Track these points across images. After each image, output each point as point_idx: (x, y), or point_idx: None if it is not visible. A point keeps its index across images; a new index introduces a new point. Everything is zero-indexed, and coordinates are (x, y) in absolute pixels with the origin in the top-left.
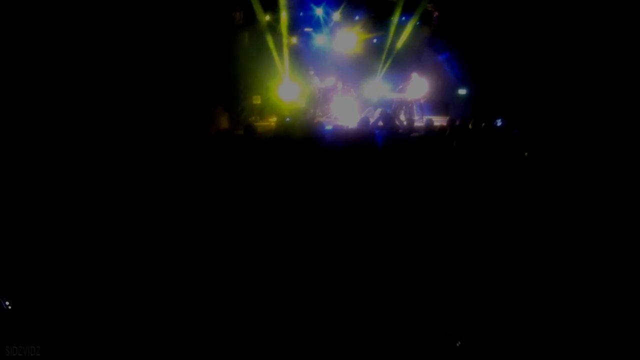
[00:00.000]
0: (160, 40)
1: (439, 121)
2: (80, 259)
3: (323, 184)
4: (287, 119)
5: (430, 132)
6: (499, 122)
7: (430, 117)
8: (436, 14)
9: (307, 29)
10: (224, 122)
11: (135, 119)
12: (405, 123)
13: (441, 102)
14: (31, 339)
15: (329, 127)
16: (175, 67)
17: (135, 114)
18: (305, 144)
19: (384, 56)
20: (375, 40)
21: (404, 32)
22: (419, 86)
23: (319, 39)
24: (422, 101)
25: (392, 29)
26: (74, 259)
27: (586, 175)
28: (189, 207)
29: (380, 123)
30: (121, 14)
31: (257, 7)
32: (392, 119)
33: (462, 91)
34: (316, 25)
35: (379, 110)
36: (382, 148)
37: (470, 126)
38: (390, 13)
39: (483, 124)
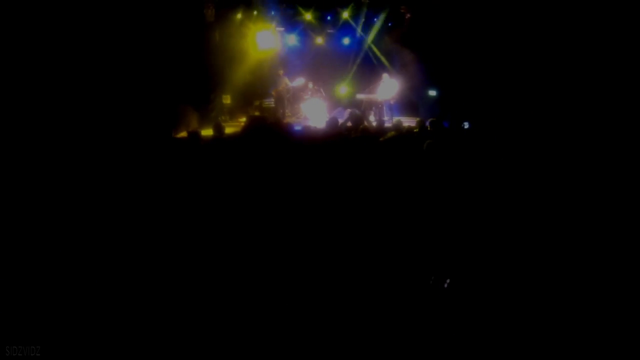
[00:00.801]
0: (129, 36)
1: (408, 122)
2: (80, 259)
3: (292, 184)
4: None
5: (399, 132)
6: (466, 125)
7: (399, 117)
8: (408, 15)
9: (278, 28)
10: (193, 122)
11: (102, 115)
12: (374, 124)
13: (410, 103)
14: (31, 339)
15: (297, 128)
16: (144, 64)
17: (103, 110)
18: (274, 145)
19: (353, 56)
20: (346, 41)
21: (375, 33)
22: (389, 87)
23: (290, 39)
24: (391, 102)
25: (363, 29)
26: (73, 258)
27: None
28: (158, 209)
29: (349, 123)
30: (88, 9)
31: (229, 4)
32: (362, 119)
33: (431, 92)
34: (287, 24)
35: (348, 111)
36: (351, 149)
37: (430, 127)
38: (361, 13)
39: (452, 125)
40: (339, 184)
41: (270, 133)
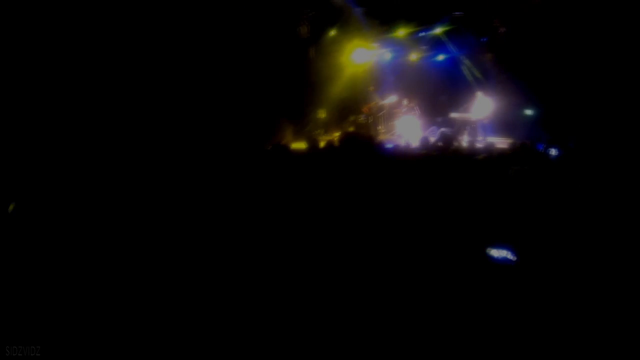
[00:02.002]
0: (229, 52)
1: (502, 143)
2: (81, 259)
3: (378, 199)
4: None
5: (489, 155)
6: (553, 151)
7: (493, 138)
8: (502, 29)
9: (373, 45)
10: (288, 134)
11: (202, 124)
12: (465, 144)
13: (506, 123)
14: (31, 339)
15: (388, 146)
16: (244, 78)
17: (203, 119)
18: (364, 161)
19: (447, 74)
20: (440, 58)
21: (468, 49)
22: (483, 106)
23: (384, 55)
24: (485, 121)
25: (456, 46)
26: (73, 258)
27: None
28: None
29: (440, 143)
30: (197, 27)
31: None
32: (452, 140)
33: (528, 111)
34: (381, 41)
35: (439, 131)
36: (439, 170)
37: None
38: (455, 29)
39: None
40: (422, 203)
41: (362, 149)
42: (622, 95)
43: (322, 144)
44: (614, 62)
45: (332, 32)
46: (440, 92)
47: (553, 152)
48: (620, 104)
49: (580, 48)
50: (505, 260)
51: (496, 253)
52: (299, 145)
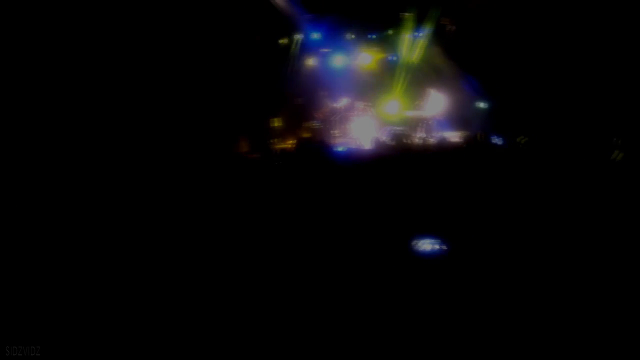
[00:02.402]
0: (182, 67)
1: (455, 137)
2: (81, 259)
3: (329, 202)
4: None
5: (443, 149)
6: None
7: (447, 133)
8: (452, 27)
9: (323, 50)
10: (245, 146)
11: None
12: (417, 141)
13: (460, 117)
14: (31, 339)
15: (341, 149)
16: (197, 89)
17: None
18: (317, 166)
19: (399, 73)
20: (391, 58)
21: (420, 48)
22: (436, 102)
23: (336, 60)
24: (439, 117)
25: (408, 45)
26: (74, 258)
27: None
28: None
29: (392, 142)
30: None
31: (274, 32)
32: (402, 137)
33: (481, 105)
34: (332, 46)
35: (390, 130)
36: (391, 167)
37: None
38: (404, 29)
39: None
40: (376, 201)
41: (314, 154)
42: (570, 86)
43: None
44: (561, 55)
45: (284, 40)
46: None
47: (498, 141)
48: (568, 95)
49: (528, 43)
50: (433, 253)
51: (424, 245)
52: (255, 154)
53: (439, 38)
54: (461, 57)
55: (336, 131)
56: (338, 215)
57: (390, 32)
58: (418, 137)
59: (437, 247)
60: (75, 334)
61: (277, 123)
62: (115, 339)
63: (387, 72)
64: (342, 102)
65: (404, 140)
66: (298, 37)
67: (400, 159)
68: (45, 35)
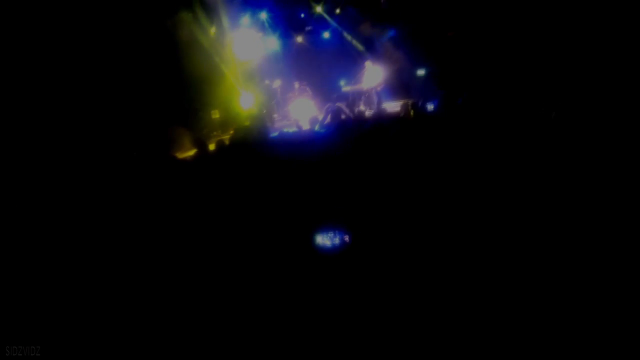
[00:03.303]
0: (112, 58)
1: (396, 106)
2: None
3: (269, 190)
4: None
5: (378, 121)
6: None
7: (387, 103)
8: None
9: (256, 34)
10: (186, 141)
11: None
12: (352, 115)
13: (402, 85)
14: (31, 339)
15: (274, 134)
16: (128, 90)
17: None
18: (252, 153)
19: (334, 49)
20: (326, 35)
21: (352, 22)
22: (373, 74)
23: (269, 43)
24: (378, 88)
25: (340, 19)
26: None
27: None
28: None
29: (328, 119)
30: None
31: (203, 22)
32: (340, 112)
33: (420, 71)
34: (263, 28)
35: (326, 107)
36: (329, 146)
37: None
38: (335, 4)
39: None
40: (314, 186)
41: (248, 145)
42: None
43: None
44: (495, 19)
45: (213, 29)
46: (330, 68)
47: (430, 107)
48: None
49: (462, 9)
50: (334, 247)
51: (325, 239)
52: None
53: (372, 9)
54: (396, 26)
55: (276, 115)
56: (255, 210)
57: (320, 8)
58: (357, 110)
59: (338, 240)
60: (75, 334)
61: (215, 115)
62: (115, 339)
63: (322, 49)
64: (278, 84)
65: (342, 116)
66: (227, 24)
67: (333, 139)
68: None
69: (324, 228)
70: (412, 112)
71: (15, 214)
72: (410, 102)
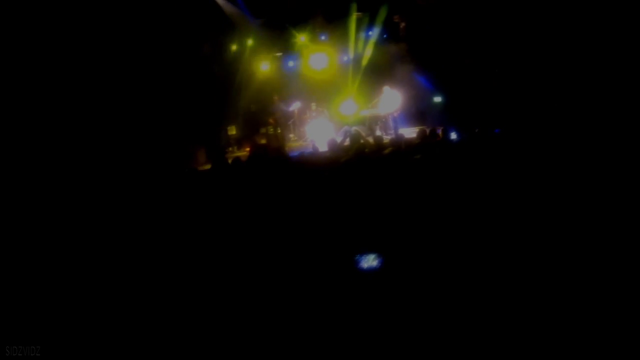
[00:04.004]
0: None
1: (412, 132)
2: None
3: (287, 210)
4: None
5: (397, 146)
6: (453, 135)
7: (403, 129)
8: (403, 24)
9: (276, 54)
10: (201, 158)
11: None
12: (373, 140)
13: (417, 112)
14: (31, 339)
15: (294, 154)
16: (149, 103)
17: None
18: (270, 173)
19: (353, 73)
20: (345, 58)
21: (372, 47)
22: (391, 99)
23: (289, 63)
24: (395, 114)
25: (360, 44)
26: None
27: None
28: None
29: (347, 142)
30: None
31: (224, 38)
32: (358, 137)
33: (437, 99)
34: (284, 49)
35: (343, 129)
36: (346, 171)
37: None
38: (356, 29)
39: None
40: (333, 206)
41: (268, 161)
42: (525, 81)
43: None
44: (512, 50)
45: (234, 47)
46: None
47: (453, 135)
48: (524, 90)
49: (477, 37)
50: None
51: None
52: (207, 166)
53: (391, 35)
54: (414, 53)
55: (293, 135)
56: (286, 230)
57: (341, 32)
58: (374, 135)
59: (376, 262)
60: (75, 334)
61: (232, 131)
62: (114, 339)
63: (340, 73)
64: (295, 106)
65: (360, 140)
66: (248, 42)
67: (354, 162)
68: None
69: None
70: (440, 136)
71: (17, 215)
72: (430, 128)
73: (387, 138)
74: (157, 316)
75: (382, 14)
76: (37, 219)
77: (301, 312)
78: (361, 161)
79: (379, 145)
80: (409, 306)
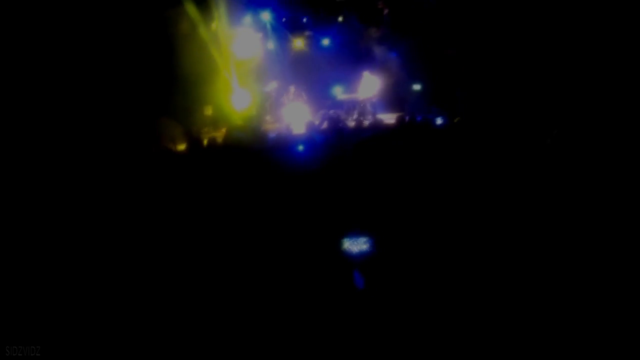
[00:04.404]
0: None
1: (390, 118)
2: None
3: (268, 194)
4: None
5: (376, 131)
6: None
7: (381, 115)
8: (386, 10)
9: (256, 34)
10: (177, 134)
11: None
12: (352, 124)
13: (396, 99)
14: (31, 339)
15: (272, 135)
16: (119, 76)
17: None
18: (250, 155)
19: (332, 57)
20: (326, 42)
21: (353, 32)
22: (370, 84)
23: (269, 44)
24: (374, 99)
25: (341, 28)
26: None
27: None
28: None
29: (325, 125)
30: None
31: (203, 16)
32: (337, 120)
33: (416, 86)
34: (264, 29)
35: (323, 112)
36: (325, 153)
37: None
38: (337, 12)
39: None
40: (310, 189)
41: (244, 143)
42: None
43: (205, 142)
44: (492, 32)
45: (213, 25)
46: (327, 75)
47: (438, 121)
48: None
49: (460, 23)
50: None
51: (352, 245)
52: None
53: (373, 20)
54: (395, 40)
55: (269, 117)
56: (265, 213)
57: (322, 14)
58: (352, 119)
59: (365, 246)
60: (75, 334)
61: (208, 111)
62: (114, 339)
63: (320, 55)
64: (273, 86)
65: (338, 124)
66: (230, 18)
67: (332, 144)
68: None
69: (325, 233)
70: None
71: (12, 213)
72: (412, 115)
73: (365, 122)
74: (151, 313)
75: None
76: (29, 217)
77: (291, 300)
78: (340, 143)
79: (357, 129)
80: (398, 292)
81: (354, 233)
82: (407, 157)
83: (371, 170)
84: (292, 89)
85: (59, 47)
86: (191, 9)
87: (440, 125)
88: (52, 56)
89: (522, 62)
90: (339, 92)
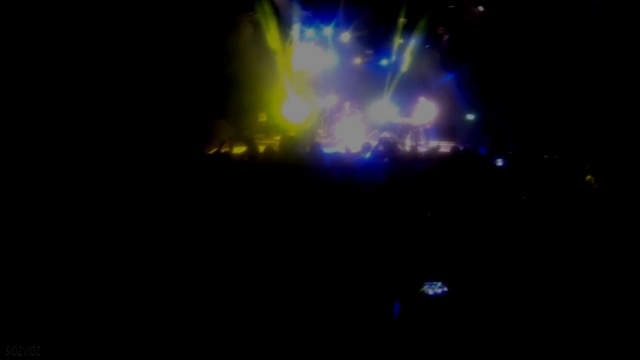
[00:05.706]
0: (166, 52)
1: (444, 147)
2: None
3: (313, 214)
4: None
5: (432, 161)
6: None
7: (435, 142)
8: (446, 37)
9: (316, 47)
10: (227, 137)
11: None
12: (407, 149)
13: (448, 127)
14: (31, 339)
15: (328, 152)
16: (182, 79)
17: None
18: (300, 170)
19: (390, 78)
20: (384, 62)
21: (413, 54)
22: (426, 110)
23: (327, 58)
24: (428, 126)
25: (400, 50)
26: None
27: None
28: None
29: (381, 148)
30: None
31: (267, 24)
32: (393, 145)
33: (470, 116)
34: (324, 44)
35: (380, 136)
36: (381, 179)
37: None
38: (399, 34)
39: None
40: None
41: (300, 155)
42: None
43: (261, 149)
44: (552, 69)
45: (275, 35)
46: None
47: (499, 162)
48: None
49: (519, 56)
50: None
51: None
52: (238, 149)
53: (433, 46)
54: (454, 67)
55: (322, 131)
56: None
57: (384, 34)
58: (407, 144)
59: (441, 290)
60: (75, 334)
61: (262, 118)
62: (114, 339)
63: (379, 76)
64: (330, 102)
65: (395, 148)
66: (292, 32)
67: (393, 171)
68: None
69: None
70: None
71: (16, 212)
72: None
73: (420, 149)
74: (156, 314)
75: (427, 23)
76: (36, 214)
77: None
78: (400, 170)
79: (413, 155)
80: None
81: (425, 276)
82: (468, 193)
83: (431, 203)
84: (347, 105)
85: (128, 42)
86: (259, 16)
87: (502, 166)
88: (118, 55)
89: (579, 102)
90: (393, 114)
